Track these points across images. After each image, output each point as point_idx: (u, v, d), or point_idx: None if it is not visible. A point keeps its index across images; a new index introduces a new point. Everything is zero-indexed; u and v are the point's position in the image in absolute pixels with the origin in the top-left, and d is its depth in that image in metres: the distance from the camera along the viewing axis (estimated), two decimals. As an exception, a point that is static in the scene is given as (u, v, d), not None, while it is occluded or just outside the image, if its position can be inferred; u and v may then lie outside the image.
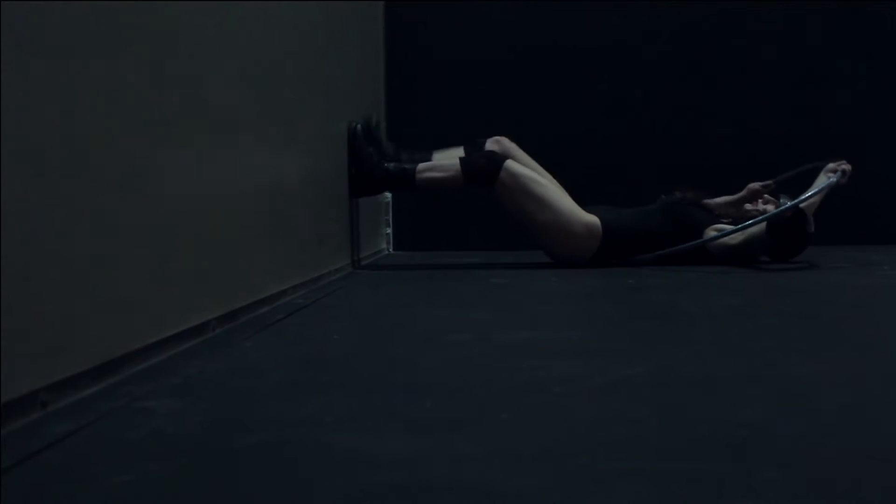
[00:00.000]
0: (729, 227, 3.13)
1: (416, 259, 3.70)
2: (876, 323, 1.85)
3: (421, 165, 3.04)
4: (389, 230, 4.26)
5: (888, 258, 3.47)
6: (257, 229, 1.88)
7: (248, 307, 1.79)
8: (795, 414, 1.03)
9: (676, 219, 3.15)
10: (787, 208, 3.03)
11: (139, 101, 1.29)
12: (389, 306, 2.11)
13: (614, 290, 2.46)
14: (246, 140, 1.82)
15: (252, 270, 1.84)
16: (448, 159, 3.11)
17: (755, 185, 3.50)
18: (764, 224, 3.03)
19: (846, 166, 3.13)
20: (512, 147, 3.19)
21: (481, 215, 4.34)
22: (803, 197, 3.03)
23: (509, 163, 3.01)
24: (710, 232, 3.10)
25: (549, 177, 3.15)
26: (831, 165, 3.16)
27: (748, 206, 3.27)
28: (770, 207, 3.24)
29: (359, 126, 3.02)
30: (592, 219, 3.06)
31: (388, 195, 4.27)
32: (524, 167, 3.05)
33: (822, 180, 3.12)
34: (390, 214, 4.27)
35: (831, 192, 3.13)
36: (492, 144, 3.17)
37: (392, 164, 3.05)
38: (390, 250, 4.26)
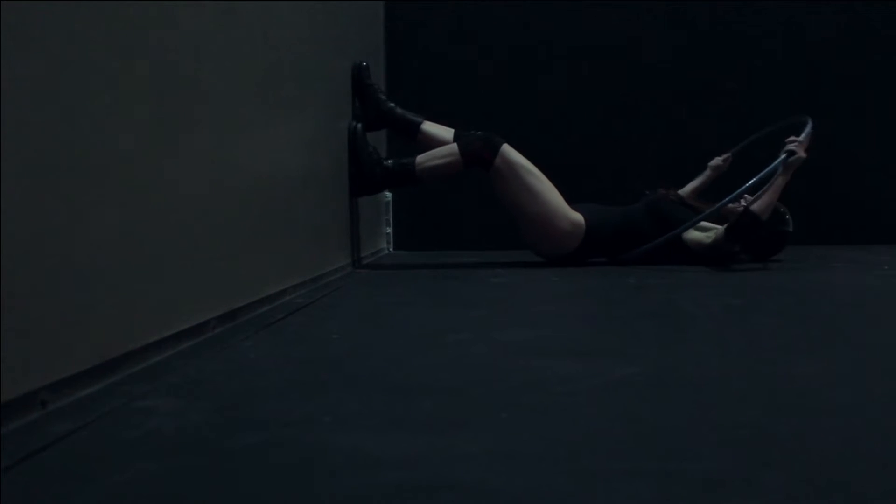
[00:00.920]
0: (708, 224, 3.15)
1: (416, 258, 3.70)
2: (876, 323, 1.85)
3: (419, 158, 3.07)
4: (390, 229, 4.26)
5: (888, 258, 3.47)
6: (257, 229, 1.88)
7: (248, 307, 1.79)
8: (795, 414, 1.03)
9: (660, 216, 3.16)
10: (741, 213, 3.01)
11: (139, 100, 1.29)
12: (389, 306, 2.11)
13: (614, 289, 2.46)
14: (246, 139, 1.82)
15: (252, 270, 1.84)
16: (444, 141, 3.14)
17: (716, 161, 3.53)
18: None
19: (792, 146, 3.04)
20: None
21: (481, 215, 4.35)
22: (753, 199, 3.02)
23: (505, 148, 3.04)
24: (696, 231, 3.11)
25: (541, 174, 3.17)
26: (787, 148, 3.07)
27: (730, 206, 3.28)
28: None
29: (358, 126, 3.03)
30: (577, 217, 3.10)
31: (388, 194, 4.27)
32: (520, 155, 3.08)
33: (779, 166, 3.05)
34: (390, 214, 4.27)
35: (794, 174, 3.06)
36: None
37: (391, 161, 3.07)
38: (390, 250, 4.26)
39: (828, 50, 4.40)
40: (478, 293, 2.38)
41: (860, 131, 4.43)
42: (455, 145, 3.04)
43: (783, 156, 3.03)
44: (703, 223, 3.17)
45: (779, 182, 3.00)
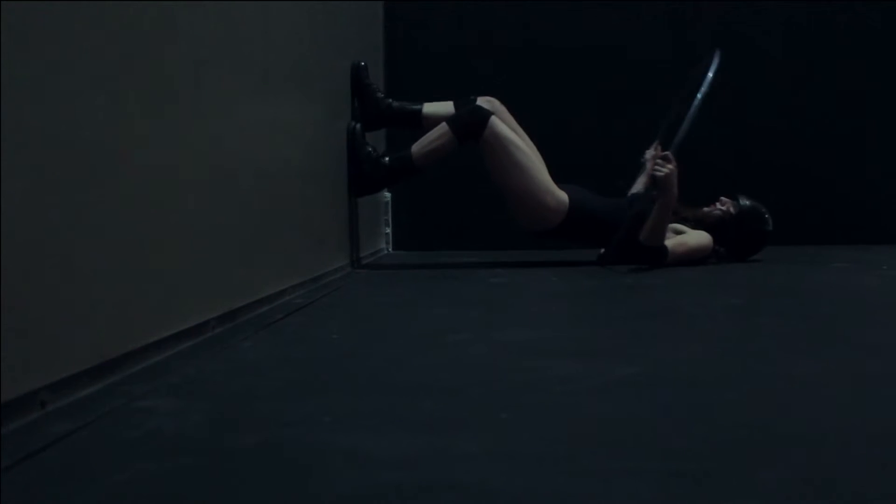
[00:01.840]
0: (682, 227, 3.16)
1: (416, 259, 3.70)
2: (876, 323, 1.85)
3: (414, 147, 3.05)
4: (389, 230, 4.26)
5: (888, 258, 3.47)
6: (257, 229, 1.88)
7: (248, 307, 1.79)
8: (795, 414, 1.03)
9: (641, 216, 3.15)
10: (625, 226, 2.97)
11: (140, 102, 1.29)
12: (389, 306, 2.11)
13: (614, 289, 2.46)
14: (246, 140, 1.81)
15: (251, 270, 1.84)
16: (438, 120, 3.12)
17: (650, 153, 3.53)
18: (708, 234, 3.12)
19: (657, 171, 2.92)
20: (501, 109, 3.20)
21: (480, 215, 4.35)
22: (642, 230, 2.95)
23: (494, 121, 3.02)
24: (672, 241, 3.10)
25: (533, 147, 3.16)
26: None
27: (706, 209, 3.28)
28: (731, 209, 3.26)
29: (357, 126, 3.04)
30: (562, 195, 3.10)
31: (388, 194, 4.27)
32: (508, 130, 3.07)
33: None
34: (389, 214, 4.27)
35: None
36: (483, 103, 3.18)
37: (388, 158, 3.07)
38: (390, 250, 4.26)
39: (828, 50, 4.40)
40: (477, 293, 2.38)
41: (860, 131, 4.43)
42: (445, 124, 3.03)
43: (653, 192, 2.92)
44: (677, 226, 3.17)
45: (659, 204, 2.90)
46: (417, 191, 4.34)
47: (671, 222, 3.19)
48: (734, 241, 3.25)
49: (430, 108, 3.19)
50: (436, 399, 1.10)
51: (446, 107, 3.19)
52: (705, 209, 3.28)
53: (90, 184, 1.13)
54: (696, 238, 3.14)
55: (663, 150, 3.11)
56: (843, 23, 4.40)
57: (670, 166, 2.89)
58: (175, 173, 1.42)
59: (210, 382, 1.21)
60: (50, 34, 1.04)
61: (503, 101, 3.31)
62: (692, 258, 3.09)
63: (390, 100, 3.18)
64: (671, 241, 3.07)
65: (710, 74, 2.94)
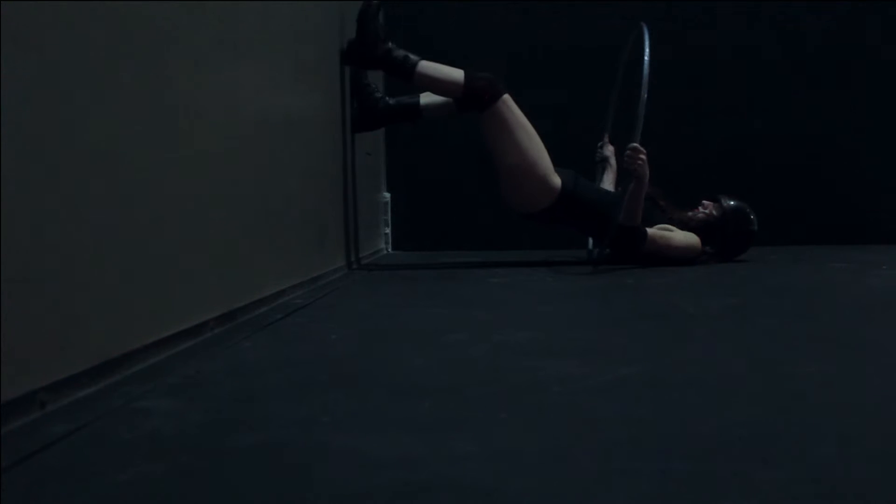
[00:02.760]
0: (670, 227, 3.18)
1: (415, 259, 3.70)
2: (876, 323, 1.86)
3: (422, 63, 3.00)
4: (388, 230, 4.26)
5: (888, 258, 3.47)
6: (256, 229, 1.88)
7: (247, 307, 1.79)
8: (795, 414, 1.03)
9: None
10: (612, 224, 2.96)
11: (139, 100, 1.29)
12: (388, 306, 2.11)
13: (614, 289, 2.46)
14: (245, 140, 1.81)
15: (251, 270, 1.84)
16: (446, 100, 3.13)
17: (607, 152, 3.54)
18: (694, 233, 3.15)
19: (633, 165, 2.92)
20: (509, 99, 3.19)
21: (480, 216, 4.35)
22: (616, 213, 2.96)
23: (507, 97, 3.02)
24: (655, 230, 3.11)
25: (534, 133, 3.12)
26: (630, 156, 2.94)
27: (689, 214, 3.29)
28: (713, 212, 3.28)
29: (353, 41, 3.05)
30: (556, 179, 3.10)
31: (387, 195, 4.27)
32: (518, 110, 3.06)
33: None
34: (389, 214, 4.28)
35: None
36: None
37: (394, 52, 3.00)
38: (389, 250, 4.26)
39: (828, 49, 4.40)
40: (476, 293, 2.38)
41: (860, 131, 4.43)
42: (462, 73, 3.01)
43: (631, 185, 2.93)
44: (666, 226, 3.18)
45: (631, 188, 2.92)
46: (417, 191, 4.35)
47: (661, 222, 3.20)
48: (721, 243, 3.26)
49: (426, 98, 3.19)
50: (435, 399, 1.10)
51: (443, 98, 3.19)
52: (689, 213, 3.29)
53: (90, 184, 1.13)
54: (682, 236, 3.15)
55: (622, 141, 3.12)
56: (843, 22, 4.41)
57: (642, 156, 2.91)
58: (175, 173, 1.42)
59: (209, 383, 1.21)
60: (49, 31, 1.04)
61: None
62: (676, 255, 3.10)
63: (388, 98, 3.19)
64: (655, 231, 3.08)
65: (648, 52, 2.91)
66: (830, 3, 4.38)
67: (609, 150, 3.59)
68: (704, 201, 3.33)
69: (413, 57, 2.99)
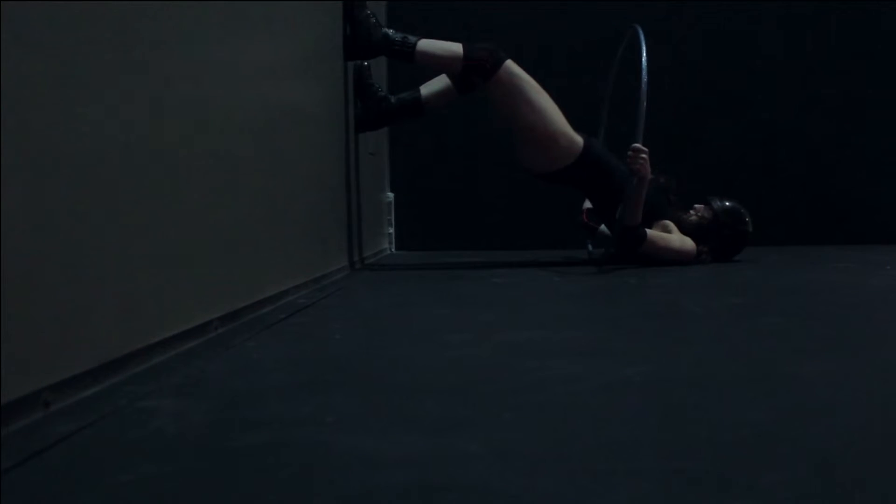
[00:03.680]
0: (673, 227, 3.18)
1: (418, 259, 3.70)
2: (877, 323, 1.85)
3: (421, 42, 3.00)
4: (391, 230, 4.27)
5: (888, 258, 3.47)
6: (259, 229, 1.89)
7: (250, 307, 1.79)
8: (796, 414, 1.03)
9: (650, 199, 3.15)
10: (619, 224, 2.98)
11: (140, 100, 1.29)
12: (391, 306, 2.11)
13: (615, 289, 2.46)
14: (248, 139, 1.82)
15: (254, 270, 1.85)
16: (446, 91, 3.14)
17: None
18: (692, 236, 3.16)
19: (635, 167, 2.92)
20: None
21: (483, 216, 4.35)
22: (622, 215, 2.97)
23: (510, 62, 3.00)
24: (654, 232, 3.11)
25: (545, 93, 3.11)
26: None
27: (683, 215, 3.28)
28: (706, 214, 3.27)
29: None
30: (577, 137, 3.09)
31: (391, 194, 4.28)
32: (523, 72, 3.04)
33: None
34: (392, 214, 4.28)
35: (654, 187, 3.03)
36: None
37: (392, 31, 3.02)
38: (392, 250, 4.26)
39: (829, 49, 4.39)
40: (479, 293, 2.38)
41: (861, 131, 4.43)
42: (460, 46, 2.99)
43: (633, 181, 2.94)
44: (668, 223, 3.17)
45: (637, 181, 2.93)
46: (420, 191, 4.35)
47: (668, 219, 3.19)
48: (716, 244, 3.25)
49: (426, 90, 3.19)
50: (438, 399, 1.10)
51: (441, 80, 3.19)
52: (683, 215, 3.28)
53: (91, 183, 1.14)
54: (680, 239, 3.14)
55: (618, 144, 3.11)
56: (843, 22, 4.40)
57: (643, 156, 2.90)
58: (177, 173, 1.43)
59: (213, 383, 1.21)
60: (50, 31, 1.05)
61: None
62: (671, 258, 3.08)
63: (391, 97, 3.19)
64: (654, 232, 3.07)
65: (645, 54, 2.90)
66: (831, 3, 4.38)
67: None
68: (696, 205, 3.32)
69: (412, 37, 2.99)
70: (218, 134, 1.63)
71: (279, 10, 2.07)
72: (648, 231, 3.05)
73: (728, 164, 4.33)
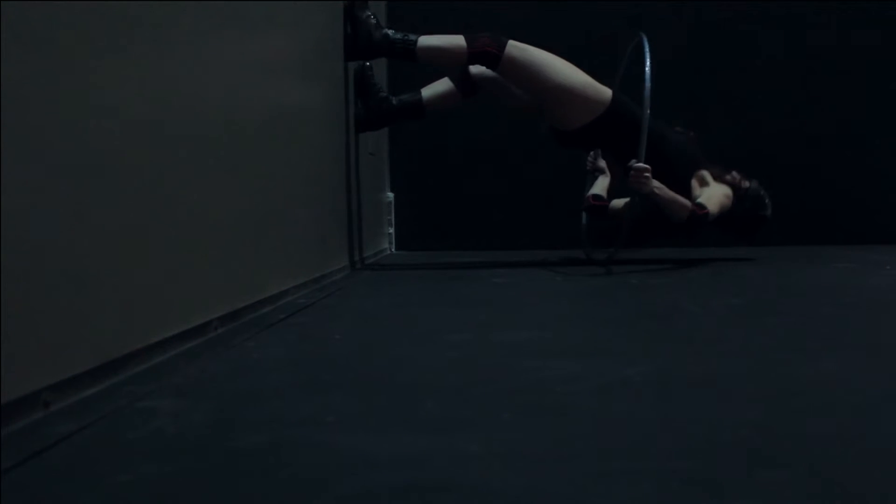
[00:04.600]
0: (708, 177, 3.17)
1: (418, 259, 3.70)
2: (877, 323, 1.85)
3: (422, 38, 3.00)
4: (392, 230, 4.27)
5: (888, 258, 3.47)
6: (259, 229, 1.89)
7: (250, 307, 1.80)
8: (796, 414, 1.03)
9: (684, 147, 3.14)
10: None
11: (140, 100, 1.29)
12: (391, 306, 2.11)
13: (615, 289, 2.46)
14: (248, 139, 1.82)
15: (254, 270, 1.85)
16: (448, 92, 3.17)
17: (601, 164, 3.52)
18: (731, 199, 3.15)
19: (635, 184, 2.89)
20: None
21: (483, 216, 4.35)
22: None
23: (513, 42, 2.99)
24: (696, 174, 3.11)
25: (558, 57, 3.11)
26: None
27: (720, 173, 3.26)
28: (741, 184, 3.26)
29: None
30: (605, 88, 3.08)
31: (391, 194, 4.27)
32: (530, 46, 3.03)
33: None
34: (392, 214, 4.28)
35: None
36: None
37: (392, 30, 3.02)
38: (392, 250, 4.26)
39: (829, 49, 4.39)
40: (480, 293, 2.39)
41: (861, 131, 4.43)
42: (461, 37, 2.98)
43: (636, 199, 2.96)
44: (705, 173, 3.17)
45: (659, 200, 2.95)
46: (420, 191, 4.35)
47: (705, 169, 3.18)
48: (733, 217, 3.24)
49: (428, 91, 3.19)
50: (438, 399, 1.10)
51: (443, 83, 3.19)
52: (719, 172, 3.27)
53: (91, 183, 1.14)
54: (723, 195, 3.13)
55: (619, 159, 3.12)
56: (844, 21, 4.40)
57: (647, 175, 2.86)
58: (177, 173, 1.43)
59: (213, 383, 1.21)
60: (50, 31, 1.05)
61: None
62: (668, 209, 3.05)
63: (392, 98, 3.19)
64: (711, 206, 3.04)
65: (649, 65, 2.89)
66: (832, 4, 4.38)
67: (602, 163, 3.57)
68: (735, 172, 3.31)
69: (412, 35, 2.99)
70: (218, 134, 1.63)
71: (280, 10, 2.07)
72: (707, 204, 3.02)
73: (728, 164, 4.33)
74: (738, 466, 0.82)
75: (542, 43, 4.29)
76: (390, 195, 4.27)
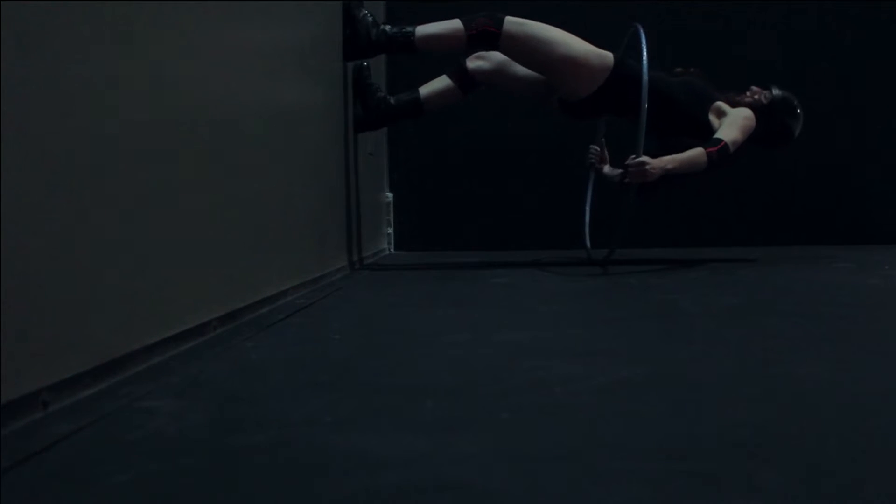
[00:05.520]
0: (724, 107, 3.13)
1: (417, 259, 3.70)
2: (877, 323, 1.85)
3: (419, 28, 3.01)
4: (390, 230, 4.27)
5: (890, 258, 3.47)
6: (258, 229, 1.88)
7: (249, 307, 1.79)
8: (795, 414, 1.03)
9: (691, 87, 3.12)
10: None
11: (138, 100, 1.29)
12: (390, 306, 2.11)
13: (615, 289, 2.46)
14: (246, 139, 1.82)
15: (253, 270, 1.84)
16: (447, 91, 3.17)
17: (603, 168, 3.51)
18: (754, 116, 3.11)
19: (639, 174, 2.87)
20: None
21: (482, 216, 4.35)
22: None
23: (510, 17, 2.98)
24: (712, 109, 3.11)
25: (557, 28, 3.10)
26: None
27: (737, 97, 3.22)
28: (762, 99, 3.21)
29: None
30: (606, 53, 3.07)
31: (390, 195, 4.27)
32: (528, 20, 3.01)
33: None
34: (391, 214, 4.28)
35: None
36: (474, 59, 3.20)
37: (388, 26, 3.03)
38: (391, 250, 4.26)
39: (829, 49, 4.40)
40: (479, 293, 2.38)
41: (860, 131, 4.43)
42: (458, 21, 2.97)
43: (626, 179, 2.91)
44: (720, 104, 3.14)
45: (674, 168, 2.91)
46: (419, 191, 4.35)
47: (719, 101, 3.16)
48: (763, 132, 3.18)
49: (426, 90, 3.19)
50: (437, 399, 1.10)
51: (441, 81, 3.19)
52: (737, 97, 3.23)
53: (90, 184, 1.14)
54: (742, 118, 3.09)
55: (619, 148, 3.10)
56: (844, 21, 4.40)
57: (646, 167, 2.83)
58: (176, 173, 1.43)
59: (212, 383, 1.21)
60: (51, 31, 1.04)
61: (505, 101, 3.32)
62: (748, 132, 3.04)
63: (390, 98, 3.19)
64: (728, 134, 3.01)
65: (646, 57, 2.87)
66: (832, 4, 4.38)
67: (607, 165, 3.55)
68: (753, 87, 3.27)
69: (408, 28, 2.99)
70: (217, 134, 1.63)
71: (278, 10, 2.07)
72: (724, 138, 2.99)
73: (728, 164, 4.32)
74: (738, 466, 0.82)
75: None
76: (389, 195, 4.27)
